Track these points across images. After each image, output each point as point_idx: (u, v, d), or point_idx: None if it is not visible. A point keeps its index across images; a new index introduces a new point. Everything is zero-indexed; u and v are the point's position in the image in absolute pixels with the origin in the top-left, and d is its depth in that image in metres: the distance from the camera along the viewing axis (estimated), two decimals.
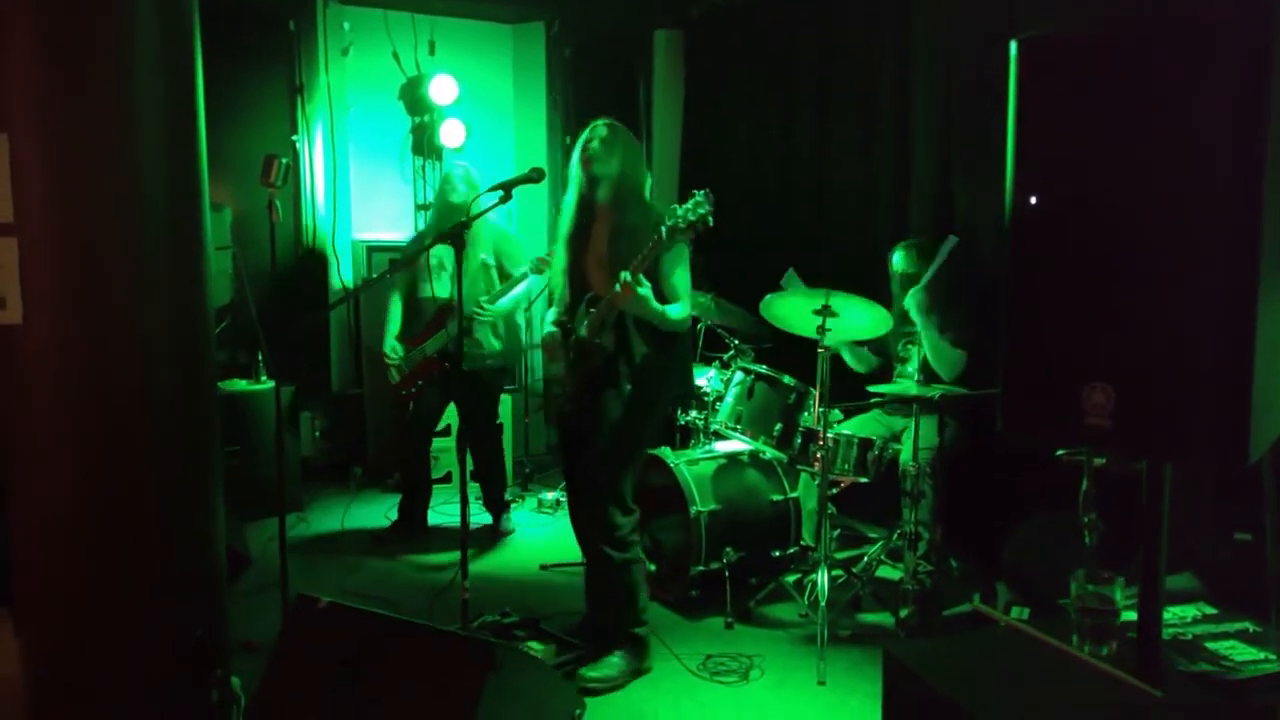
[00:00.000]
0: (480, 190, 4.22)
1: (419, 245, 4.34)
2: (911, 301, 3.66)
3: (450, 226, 2.92)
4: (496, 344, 4.42)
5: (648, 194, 3.11)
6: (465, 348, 4.11)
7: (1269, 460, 2.19)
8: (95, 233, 2.22)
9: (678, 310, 2.95)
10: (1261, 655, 1.72)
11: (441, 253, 4.24)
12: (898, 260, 3.90)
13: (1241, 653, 1.74)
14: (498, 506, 4.62)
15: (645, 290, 2.80)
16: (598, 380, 3.03)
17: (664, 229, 2.74)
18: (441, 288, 4.34)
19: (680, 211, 2.75)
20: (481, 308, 4.24)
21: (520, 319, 4.62)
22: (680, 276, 2.99)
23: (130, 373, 2.28)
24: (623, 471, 3.04)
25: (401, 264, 4.36)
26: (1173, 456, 1.58)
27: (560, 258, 3.16)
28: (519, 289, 4.35)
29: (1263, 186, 1.40)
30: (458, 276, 3.11)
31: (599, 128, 3.04)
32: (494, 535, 4.55)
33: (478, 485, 4.65)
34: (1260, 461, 1.48)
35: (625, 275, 2.80)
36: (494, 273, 4.34)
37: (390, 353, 4.41)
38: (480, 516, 4.70)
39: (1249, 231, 1.41)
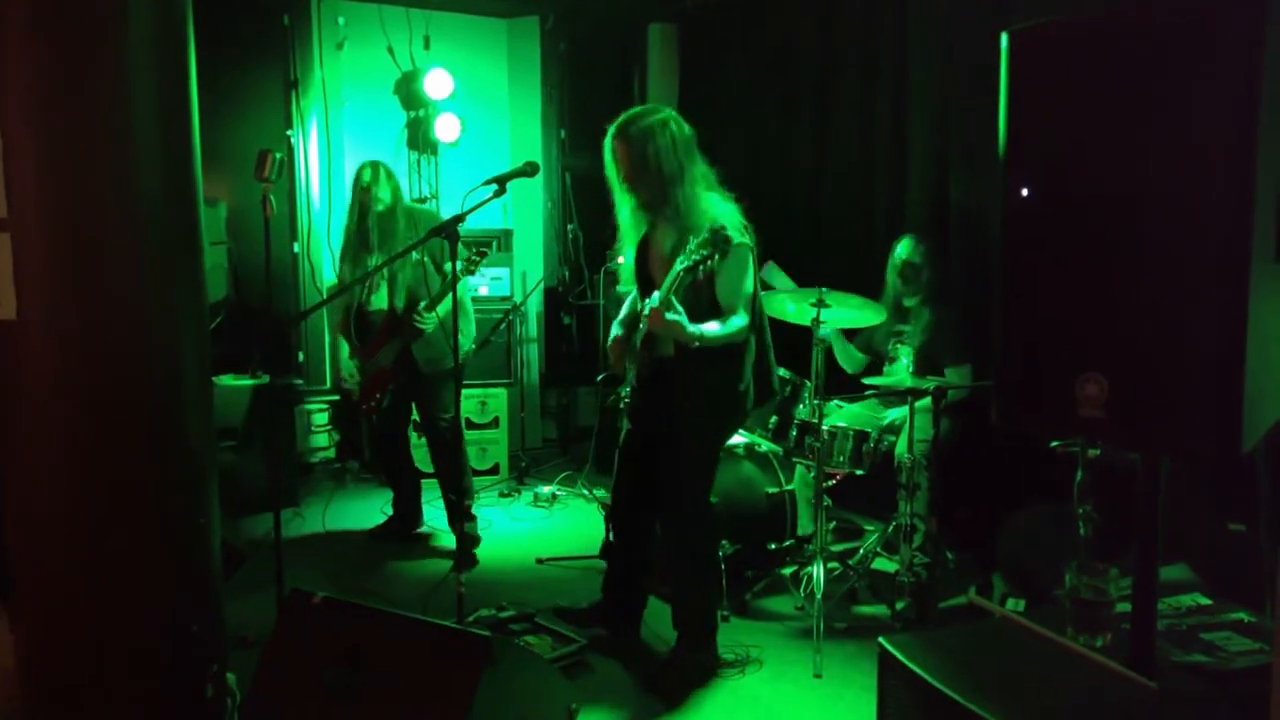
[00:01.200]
0: (398, 185, 4.13)
1: (374, 249, 4.08)
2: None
3: (444, 221, 2.89)
4: (448, 346, 4.01)
5: (701, 184, 2.87)
6: (425, 353, 4.04)
7: (1262, 450, 2.20)
8: (89, 227, 2.22)
9: (727, 328, 2.75)
10: (1256, 645, 1.73)
11: (371, 260, 4.03)
12: (901, 248, 3.91)
13: (1236, 643, 1.74)
14: (457, 514, 4.14)
15: (675, 316, 2.63)
16: (661, 390, 2.91)
17: (696, 248, 2.58)
18: (382, 298, 4.13)
19: (731, 232, 2.61)
20: (420, 316, 3.99)
21: (469, 310, 4.31)
22: (741, 285, 2.79)
23: (124, 368, 2.28)
24: (703, 483, 2.96)
25: (368, 277, 4.10)
26: (1166, 446, 1.58)
27: (629, 258, 3.04)
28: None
29: (1254, 176, 1.40)
30: (452, 274, 3.09)
31: (611, 136, 2.86)
32: (460, 558, 3.99)
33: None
34: (1253, 451, 1.48)
35: (653, 301, 2.66)
36: (429, 269, 4.04)
37: (348, 376, 4.22)
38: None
39: (1240, 221, 1.41)
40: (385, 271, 4.04)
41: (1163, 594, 1.79)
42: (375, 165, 4.14)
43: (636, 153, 2.81)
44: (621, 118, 2.89)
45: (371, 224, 4.05)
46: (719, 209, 2.84)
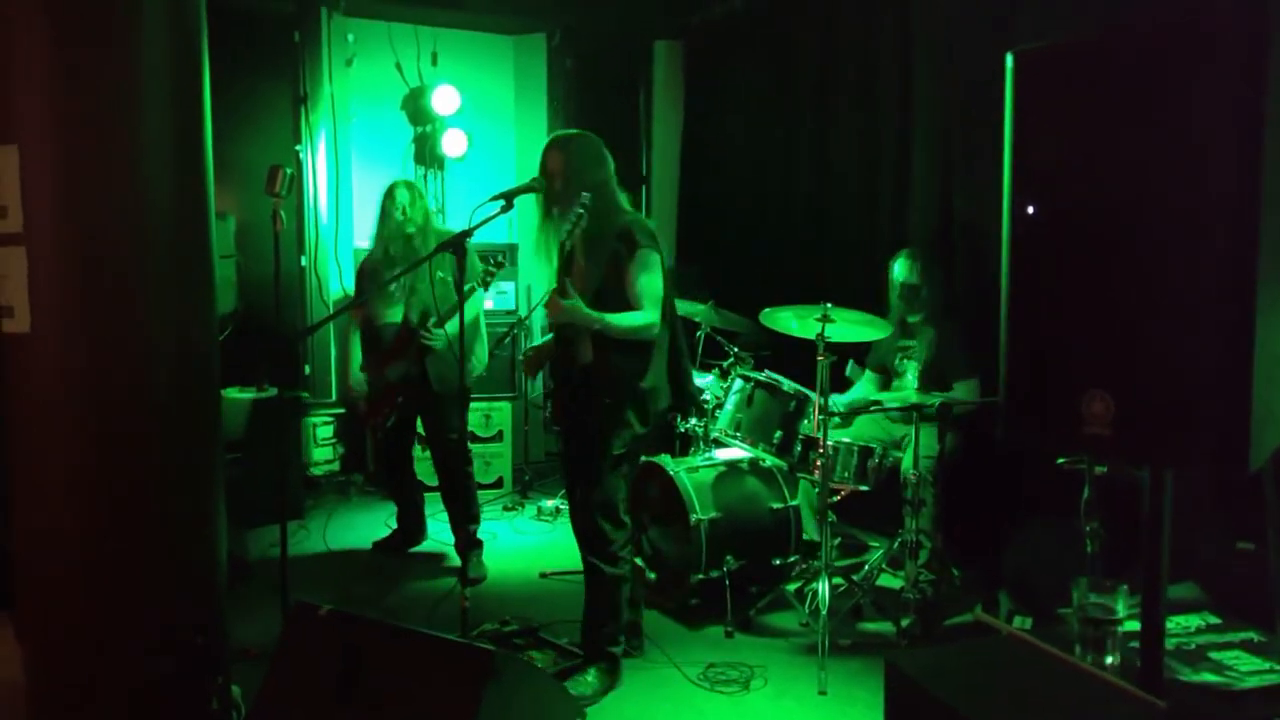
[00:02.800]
0: (427, 203, 4.15)
1: (398, 266, 4.01)
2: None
3: (452, 235, 2.91)
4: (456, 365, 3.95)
5: (618, 196, 3.03)
6: (438, 370, 4.00)
7: (1270, 469, 2.19)
8: (103, 243, 2.24)
9: (633, 318, 2.87)
10: (1266, 665, 1.71)
11: (390, 274, 3.97)
12: (898, 269, 3.92)
13: (1245, 662, 1.73)
14: (465, 543, 4.05)
15: (571, 302, 2.81)
16: (578, 391, 3.02)
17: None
18: (397, 312, 4.11)
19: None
20: (429, 332, 3.98)
21: (484, 330, 4.29)
22: (645, 283, 2.90)
23: (135, 381, 2.29)
24: (607, 482, 3.00)
25: (382, 287, 4.05)
26: (1173, 464, 1.58)
27: (541, 270, 3.16)
28: (470, 306, 3.96)
29: (1260, 194, 1.40)
30: (458, 285, 3.10)
31: (548, 147, 3.04)
32: (467, 579, 3.90)
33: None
34: (1261, 470, 1.48)
35: (552, 288, 2.82)
36: (450, 288, 3.85)
37: (356, 386, 4.21)
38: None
39: (1247, 238, 1.41)
40: (403, 287, 4.04)
41: (1171, 612, 1.78)
42: (410, 186, 4.15)
43: (575, 157, 2.98)
44: (556, 133, 3.17)
45: (398, 242, 4.05)
46: (632, 215, 3.03)
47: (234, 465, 4.43)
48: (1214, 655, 1.77)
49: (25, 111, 2.19)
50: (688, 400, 3.18)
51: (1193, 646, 1.81)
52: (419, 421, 4.33)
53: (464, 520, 4.09)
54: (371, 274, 4.18)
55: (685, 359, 3.15)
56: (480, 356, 4.26)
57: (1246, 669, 1.71)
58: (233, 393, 4.80)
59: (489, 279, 3.87)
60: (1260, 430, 1.43)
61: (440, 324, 3.96)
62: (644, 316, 2.88)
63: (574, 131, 3.15)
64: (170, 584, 2.37)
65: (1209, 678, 1.69)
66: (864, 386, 4.12)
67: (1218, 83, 1.43)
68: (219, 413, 2.61)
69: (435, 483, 4.36)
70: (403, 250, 4.05)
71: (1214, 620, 1.92)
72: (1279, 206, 1.45)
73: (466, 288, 3.83)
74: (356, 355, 4.26)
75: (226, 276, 4.75)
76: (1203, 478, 2.53)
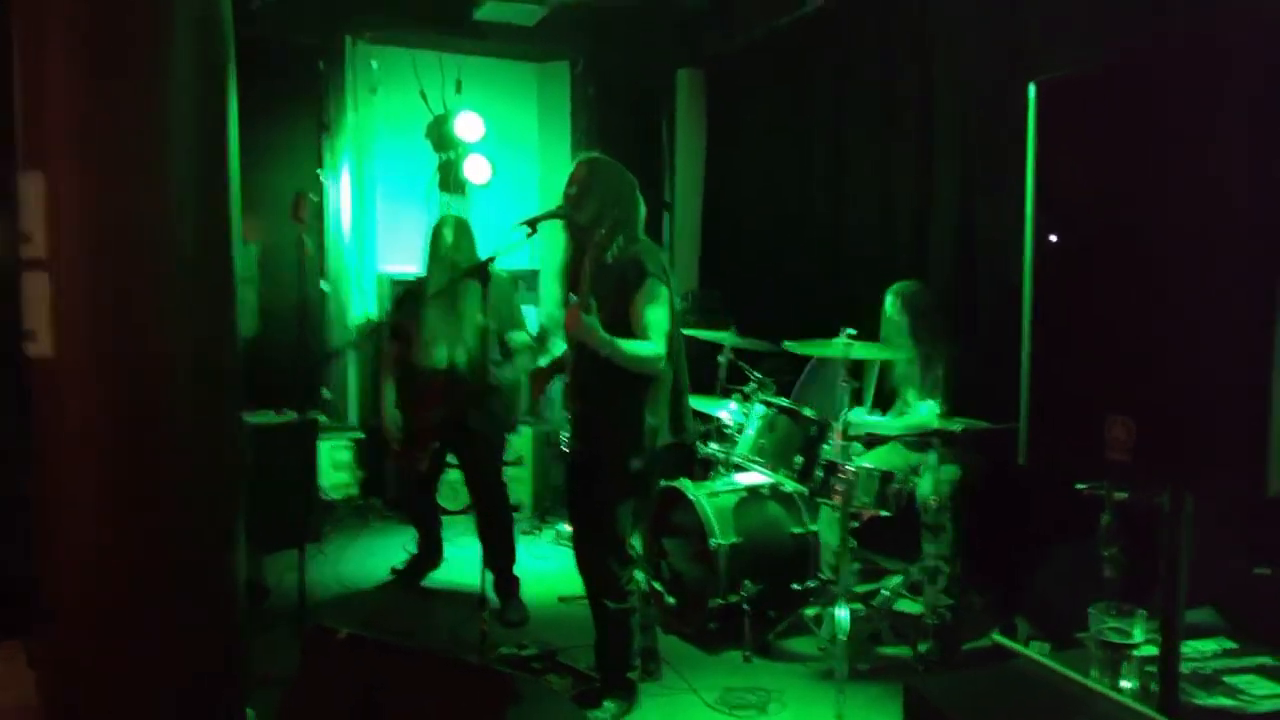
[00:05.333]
0: (473, 240, 4.07)
1: (421, 294, 4.04)
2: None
3: (477, 264, 2.93)
4: (500, 403, 4.07)
5: (638, 226, 3.04)
6: (478, 409, 3.88)
7: None
8: (127, 269, 2.26)
9: (641, 348, 2.84)
10: None
11: (435, 322, 3.97)
12: (886, 305, 3.94)
13: (1260, 687, 1.72)
14: (504, 583, 4.05)
15: (591, 319, 2.74)
16: (587, 422, 3.03)
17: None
18: (438, 356, 3.98)
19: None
20: (489, 369, 3.80)
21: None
22: (652, 314, 2.87)
23: (158, 405, 2.31)
24: (610, 520, 2.99)
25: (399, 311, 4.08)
26: (1192, 489, 1.58)
27: (554, 293, 3.17)
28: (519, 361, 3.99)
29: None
30: (484, 312, 3.11)
31: (577, 168, 3.04)
32: (502, 620, 3.89)
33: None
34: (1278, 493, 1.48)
35: (573, 299, 2.81)
36: (493, 339, 3.83)
37: (392, 426, 4.07)
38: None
39: (1267, 262, 1.41)
40: (446, 329, 3.97)
41: (1188, 637, 1.77)
42: (457, 222, 4.10)
43: (599, 182, 2.99)
44: (584, 154, 3.17)
45: (441, 277, 3.97)
46: (645, 245, 3.02)
47: (251, 490, 4.48)
48: (1229, 680, 1.76)
49: (53, 138, 2.22)
50: (687, 438, 3.15)
51: (1208, 671, 1.80)
52: (447, 456, 4.28)
53: (503, 558, 4.05)
54: (411, 306, 4.10)
55: (686, 397, 3.11)
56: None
57: (1261, 693, 1.70)
58: (252, 417, 4.85)
59: (544, 342, 3.74)
60: (1279, 455, 1.43)
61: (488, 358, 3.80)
62: (651, 348, 2.85)
63: (608, 158, 3.12)
64: (191, 606, 2.39)
65: (1224, 702, 1.68)
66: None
67: (1236, 101, 1.43)
68: (240, 436, 2.64)
69: (453, 506, 4.37)
70: (446, 286, 3.96)
71: (1230, 645, 1.91)
72: None
73: (517, 342, 3.87)
74: (390, 393, 4.13)
75: (248, 301, 4.82)
76: (1221, 502, 2.51)
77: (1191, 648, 1.86)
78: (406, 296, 4.23)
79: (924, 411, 3.76)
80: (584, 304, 2.74)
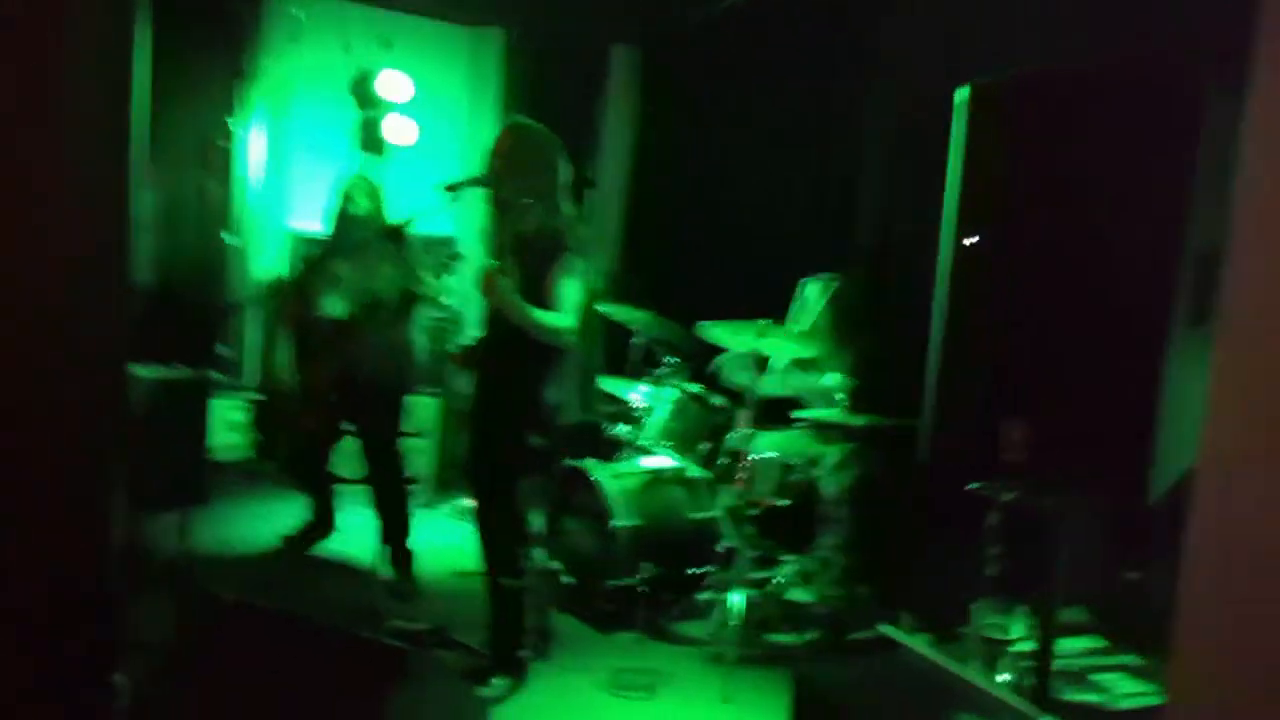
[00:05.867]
0: (384, 203, 4.00)
1: (327, 254, 4.00)
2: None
3: (391, 225, 2.86)
4: (398, 361, 4.02)
5: (559, 195, 3.01)
6: (375, 366, 3.85)
7: (1165, 502, 2.30)
8: (9, 207, 2.14)
9: (554, 319, 2.84)
10: (1144, 688, 1.80)
11: (339, 269, 3.92)
12: (808, 292, 4.01)
13: (1126, 685, 1.82)
14: (398, 553, 3.98)
15: (506, 282, 2.76)
16: (490, 395, 3.01)
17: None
18: (338, 310, 3.94)
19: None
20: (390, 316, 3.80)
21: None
22: (568, 288, 2.88)
23: (35, 347, 2.19)
24: (512, 494, 2.99)
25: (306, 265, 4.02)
26: (1080, 492, 1.65)
27: (475, 260, 3.14)
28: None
29: (1184, 241, 1.47)
30: (395, 272, 3.04)
31: (502, 137, 3.01)
32: (396, 592, 3.84)
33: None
34: (1157, 502, 1.56)
35: (491, 264, 2.80)
36: (396, 298, 3.86)
37: (281, 373, 4.05)
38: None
39: (1168, 279, 1.48)
40: (343, 279, 3.91)
41: (1062, 634, 1.86)
42: (365, 180, 4.04)
43: (525, 150, 2.96)
44: (509, 122, 3.17)
45: (348, 234, 3.94)
46: (568, 219, 3.02)
47: (137, 446, 4.28)
48: (1096, 678, 1.85)
49: None
50: (594, 416, 3.16)
51: (1078, 668, 1.89)
52: (344, 420, 4.17)
53: (397, 531, 3.99)
54: (316, 265, 4.05)
55: (594, 377, 3.15)
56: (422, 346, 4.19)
57: (1125, 691, 1.80)
58: (141, 370, 4.63)
59: (450, 264, 3.61)
60: (1162, 465, 1.50)
61: (391, 317, 3.84)
62: (564, 320, 2.86)
63: (534, 124, 3.09)
64: (64, 567, 2.28)
65: (1091, 698, 1.77)
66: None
67: (1157, 128, 1.50)
68: (126, 388, 2.52)
69: (352, 475, 4.26)
70: (352, 243, 3.93)
71: (1101, 644, 2.01)
72: (1193, 256, 1.53)
73: (422, 290, 3.82)
74: (283, 350, 4.09)
75: (144, 250, 4.59)
76: (1102, 507, 2.64)
77: (1065, 645, 1.95)
78: (315, 255, 4.13)
79: (827, 381, 3.81)
80: (502, 269, 2.73)
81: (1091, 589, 2.34)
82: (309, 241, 4.95)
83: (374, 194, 4.01)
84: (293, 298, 4.13)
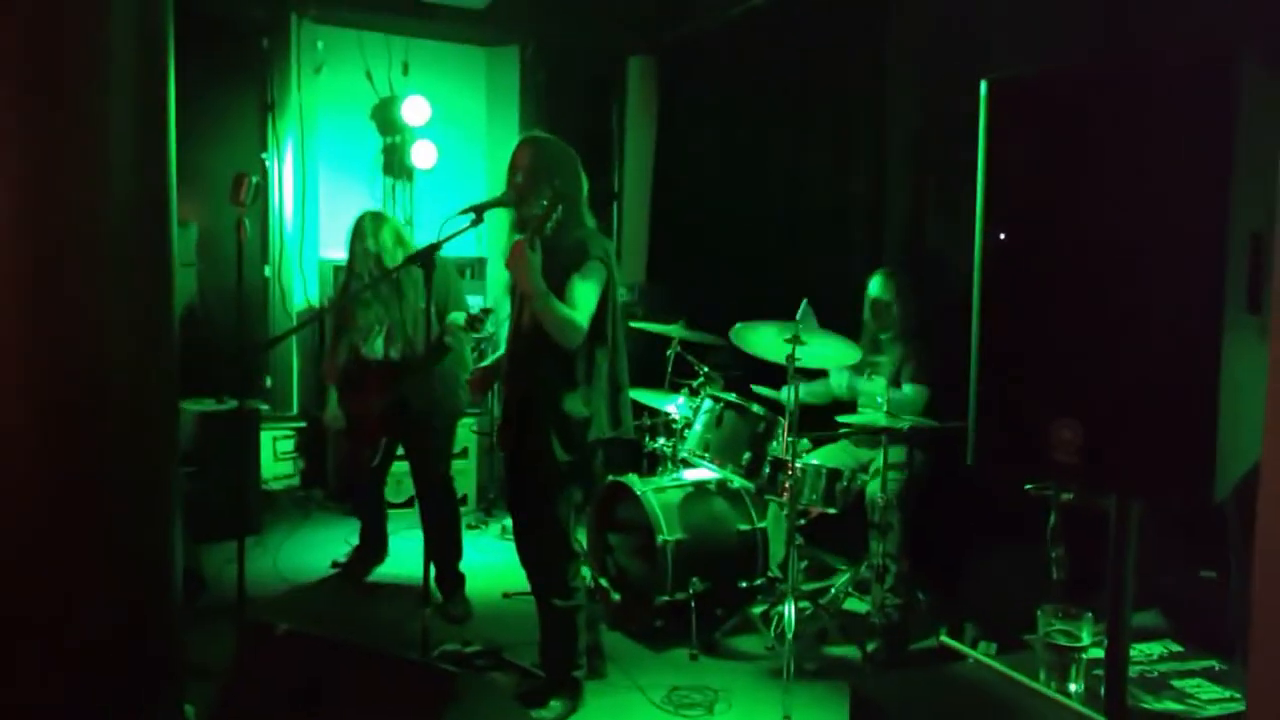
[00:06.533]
0: (402, 233, 4.02)
1: (358, 290, 3.97)
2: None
3: (420, 250, 2.86)
4: (443, 392, 4.01)
5: (583, 213, 3.00)
6: (421, 398, 3.84)
7: (1233, 499, 2.22)
8: (59, 244, 2.18)
9: (567, 310, 2.79)
10: (1227, 694, 1.73)
11: (373, 311, 3.92)
12: (873, 285, 3.94)
13: (1207, 691, 1.74)
14: (450, 577, 3.99)
15: (536, 259, 2.71)
16: (519, 413, 2.97)
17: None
18: (376, 347, 3.94)
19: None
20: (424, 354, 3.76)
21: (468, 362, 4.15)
22: (582, 289, 2.84)
23: (89, 386, 2.23)
24: (552, 512, 2.94)
25: (334, 310, 3.99)
26: (1139, 493, 1.59)
27: (503, 278, 3.12)
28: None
29: (1227, 226, 1.42)
30: (426, 300, 3.05)
31: (519, 150, 2.99)
32: (445, 616, 3.85)
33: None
34: (1224, 500, 1.49)
35: (518, 237, 2.77)
36: (435, 324, 3.80)
37: (333, 422, 4.09)
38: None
39: (1213, 270, 1.42)
40: (384, 320, 3.92)
41: (1135, 640, 1.79)
42: (375, 216, 4.04)
43: (545, 165, 2.93)
44: (526, 135, 3.11)
45: (369, 269, 3.92)
46: (591, 231, 3.00)
47: (190, 478, 4.35)
48: (1176, 684, 1.78)
49: None
50: (625, 431, 3.10)
51: (1155, 674, 1.82)
52: (398, 446, 4.18)
53: (448, 554, 3.99)
54: (348, 305, 4.04)
55: (625, 391, 3.07)
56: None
57: (1208, 697, 1.73)
58: (191, 404, 4.70)
59: (477, 325, 3.65)
60: (1225, 462, 1.44)
61: (426, 361, 3.81)
62: (575, 315, 2.80)
63: (551, 137, 3.08)
64: (121, 595, 2.30)
65: (1171, 706, 1.70)
66: (833, 378, 4.12)
67: (1188, 114, 1.45)
68: (176, 422, 2.55)
69: (397, 499, 4.28)
70: (377, 275, 3.89)
71: (1176, 648, 1.93)
72: (1244, 239, 1.47)
73: (451, 319, 3.81)
74: (334, 394, 4.09)
75: (186, 286, 4.68)
76: (1167, 507, 2.55)
77: (1138, 651, 1.88)
78: (343, 296, 4.15)
79: (909, 393, 3.77)
80: (530, 242, 2.71)
81: (1163, 591, 2.26)
82: (340, 270, 4.99)
83: (388, 229, 4.00)
84: (335, 333, 4.12)
